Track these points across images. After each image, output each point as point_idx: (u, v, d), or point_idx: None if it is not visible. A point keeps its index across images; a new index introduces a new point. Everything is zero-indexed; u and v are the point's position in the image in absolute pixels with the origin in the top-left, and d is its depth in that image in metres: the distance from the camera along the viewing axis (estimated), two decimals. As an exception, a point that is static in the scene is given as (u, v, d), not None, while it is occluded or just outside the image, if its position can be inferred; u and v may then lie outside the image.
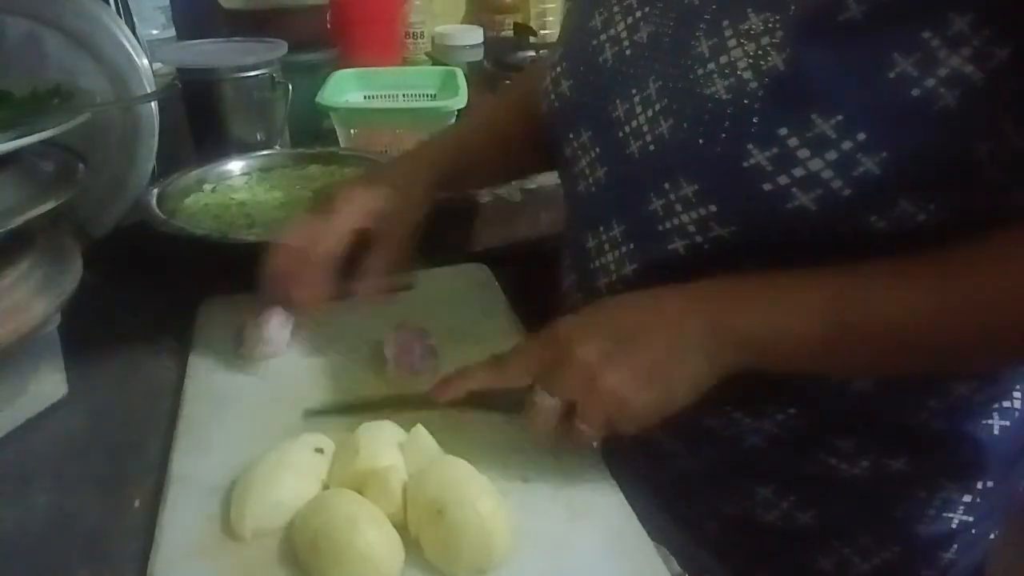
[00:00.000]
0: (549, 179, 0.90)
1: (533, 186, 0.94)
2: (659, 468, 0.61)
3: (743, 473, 0.56)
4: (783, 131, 0.41)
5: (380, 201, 0.60)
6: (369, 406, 0.56)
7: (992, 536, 0.58)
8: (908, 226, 0.42)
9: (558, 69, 0.57)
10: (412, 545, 0.44)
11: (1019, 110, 0.40)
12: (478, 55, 1.31)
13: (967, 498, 0.54)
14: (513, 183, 0.93)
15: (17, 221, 0.50)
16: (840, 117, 0.40)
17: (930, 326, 0.42)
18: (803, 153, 0.41)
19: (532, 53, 1.27)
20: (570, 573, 0.44)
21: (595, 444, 0.51)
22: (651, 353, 0.44)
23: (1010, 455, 0.55)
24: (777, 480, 0.55)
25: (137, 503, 0.50)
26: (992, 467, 0.54)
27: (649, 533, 0.46)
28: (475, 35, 1.31)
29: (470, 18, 1.59)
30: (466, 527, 0.42)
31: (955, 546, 0.55)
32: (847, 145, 0.40)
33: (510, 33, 1.54)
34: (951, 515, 0.54)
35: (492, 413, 0.54)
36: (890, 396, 0.50)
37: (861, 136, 0.40)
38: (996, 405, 0.53)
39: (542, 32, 1.57)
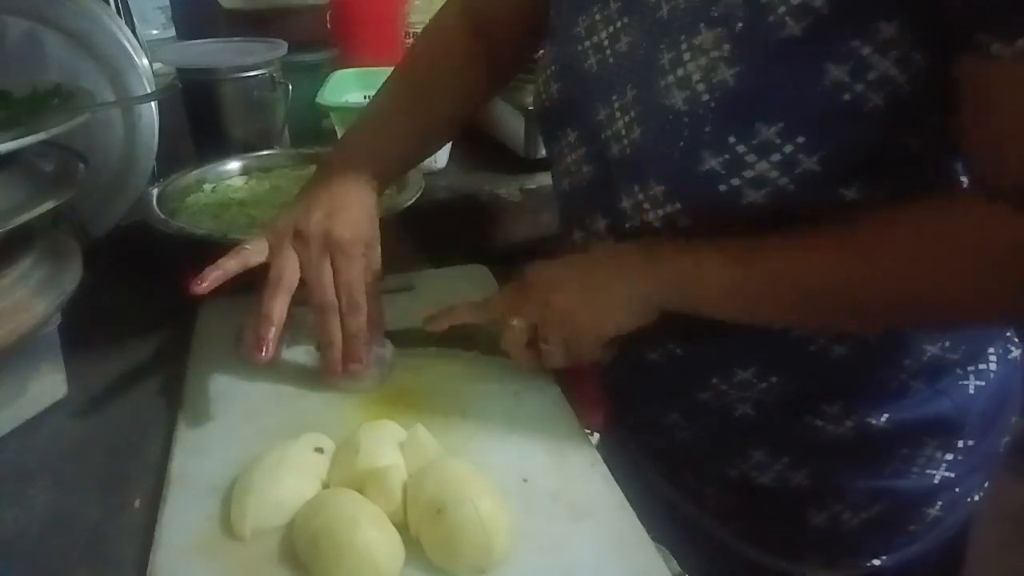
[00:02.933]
0: (549, 179, 0.90)
1: (533, 186, 0.95)
2: (660, 439, 0.64)
3: (737, 439, 0.59)
4: (732, 139, 0.45)
5: (367, 234, 0.59)
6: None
7: (976, 498, 0.61)
8: (847, 207, 0.46)
9: (548, 72, 0.60)
10: (412, 544, 0.44)
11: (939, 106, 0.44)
12: (478, 55, 1.30)
13: (948, 456, 0.57)
14: (513, 183, 0.94)
15: (17, 221, 0.50)
16: (782, 124, 0.44)
17: (832, 282, 0.46)
18: (751, 158, 0.45)
19: (532, 53, 1.27)
20: (570, 572, 0.44)
21: (594, 435, 0.57)
22: (591, 279, 0.53)
23: (988, 415, 0.58)
24: (769, 443, 0.58)
25: (137, 503, 0.50)
26: (971, 426, 0.57)
27: (650, 532, 0.47)
28: (475, 35, 1.31)
29: (470, 18, 1.59)
30: (466, 526, 0.43)
31: (939, 503, 0.58)
32: (789, 148, 0.44)
33: (510, 33, 1.54)
34: (933, 472, 0.57)
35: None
36: (866, 358, 0.53)
37: (801, 139, 0.44)
38: (972, 367, 0.57)
39: (542, 32, 1.57)
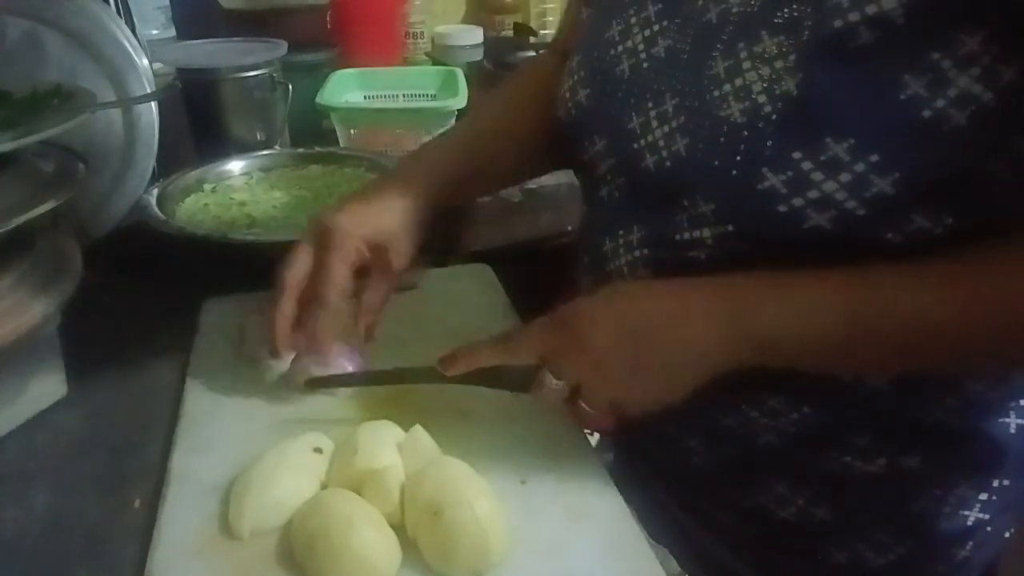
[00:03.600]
0: (549, 179, 0.90)
1: (533, 186, 0.94)
2: (675, 463, 0.61)
3: (758, 469, 0.56)
4: (797, 155, 0.42)
5: (375, 230, 0.57)
6: (373, 378, 0.57)
7: (1008, 535, 0.58)
8: (924, 240, 0.42)
9: (575, 77, 0.57)
10: (409, 546, 0.44)
11: None
12: (478, 55, 1.31)
13: (983, 496, 0.54)
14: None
15: (17, 221, 0.50)
16: (852, 140, 0.40)
17: (940, 326, 0.42)
18: (817, 176, 0.41)
19: (532, 53, 1.27)
20: (567, 575, 0.44)
21: (594, 435, 0.51)
22: (662, 345, 0.45)
23: None
24: (792, 476, 0.55)
25: (137, 503, 0.51)
26: (1008, 465, 0.54)
27: (652, 531, 0.46)
28: (475, 35, 1.32)
29: (470, 18, 1.59)
30: (463, 528, 0.43)
31: (970, 543, 0.55)
32: (860, 167, 0.40)
33: (510, 33, 1.54)
34: (967, 512, 0.54)
35: (497, 393, 0.53)
36: (905, 394, 0.50)
37: (874, 158, 0.40)
38: (1012, 403, 0.53)
39: (542, 32, 1.57)
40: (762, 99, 0.43)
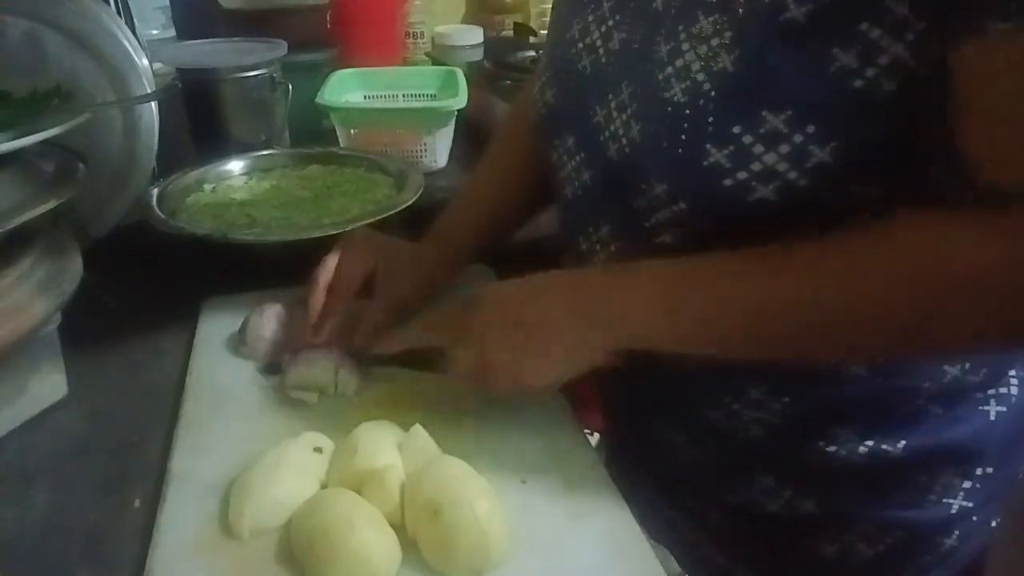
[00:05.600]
0: (549, 179, 0.90)
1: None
2: (661, 460, 0.61)
3: (745, 463, 0.57)
4: (737, 129, 0.43)
5: (388, 264, 0.65)
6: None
7: (993, 524, 0.58)
8: (869, 208, 0.43)
9: (543, 79, 0.59)
10: (409, 545, 0.45)
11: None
12: (478, 55, 1.31)
13: (967, 484, 0.55)
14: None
15: (17, 221, 0.50)
16: (789, 112, 0.42)
17: (782, 306, 0.44)
18: (758, 149, 0.43)
19: (532, 53, 1.27)
20: (567, 574, 0.44)
21: (594, 435, 0.54)
22: (521, 333, 0.50)
23: (1008, 441, 0.56)
24: (778, 469, 0.56)
25: (137, 503, 0.51)
26: (990, 453, 0.55)
27: (650, 530, 0.46)
28: (475, 35, 1.32)
29: (470, 18, 1.60)
30: (463, 528, 0.43)
31: (956, 532, 0.56)
32: (798, 138, 0.42)
33: (510, 33, 1.54)
34: (951, 501, 0.55)
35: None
36: (883, 380, 0.51)
37: (810, 129, 0.42)
38: (992, 391, 0.54)
39: (542, 32, 1.57)
40: (700, 77, 0.44)
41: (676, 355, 0.48)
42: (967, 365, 0.52)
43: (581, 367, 0.50)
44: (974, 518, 0.56)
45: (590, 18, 0.55)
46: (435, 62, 1.30)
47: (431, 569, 0.44)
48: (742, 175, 0.44)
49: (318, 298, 0.62)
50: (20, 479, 0.53)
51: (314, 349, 0.60)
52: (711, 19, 0.44)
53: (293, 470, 0.48)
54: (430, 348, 0.57)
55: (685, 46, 0.45)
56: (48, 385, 0.60)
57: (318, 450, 0.50)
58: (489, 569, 0.43)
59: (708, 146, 0.44)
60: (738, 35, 0.43)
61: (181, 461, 0.52)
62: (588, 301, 0.50)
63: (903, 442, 0.53)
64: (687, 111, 0.45)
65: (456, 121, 0.99)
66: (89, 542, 0.48)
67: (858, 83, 0.41)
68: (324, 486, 0.49)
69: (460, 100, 0.97)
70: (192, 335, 0.66)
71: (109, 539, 0.48)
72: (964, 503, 0.55)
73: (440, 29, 1.34)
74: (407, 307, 0.64)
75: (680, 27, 0.46)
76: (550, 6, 1.66)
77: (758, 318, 0.45)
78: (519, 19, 1.56)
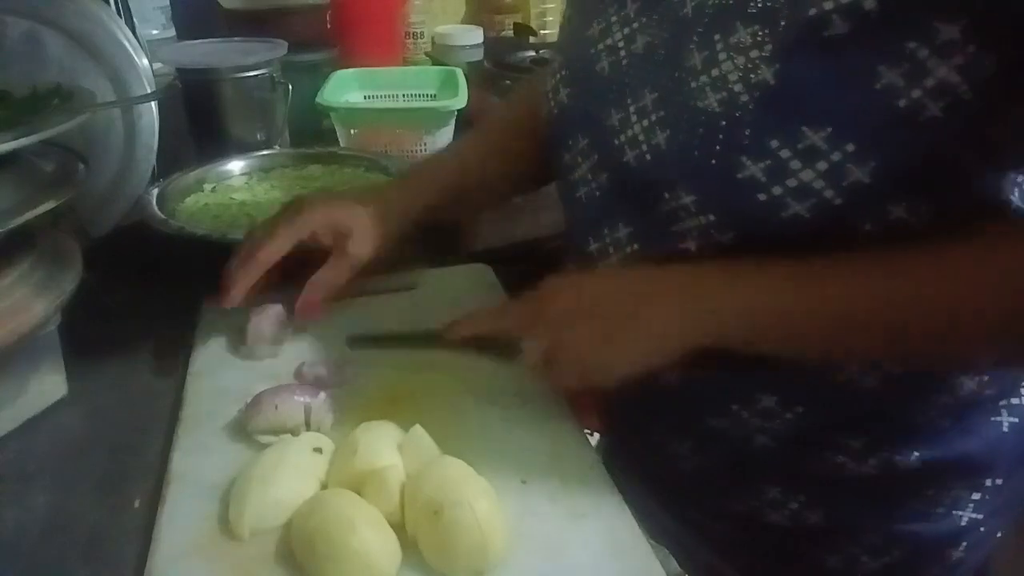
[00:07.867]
0: (549, 179, 0.90)
1: (533, 186, 0.94)
2: (665, 468, 0.61)
3: (751, 473, 0.56)
4: (775, 143, 0.42)
5: (340, 218, 0.62)
6: (399, 339, 0.63)
7: (1000, 534, 0.58)
8: (900, 230, 0.43)
9: (558, 76, 0.58)
10: (409, 545, 0.44)
11: (1006, 117, 0.41)
12: (478, 55, 1.31)
13: (976, 496, 0.55)
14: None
15: (17, 221, 0.50)
16: (829, 129, 0.41)
17: (883, 312, 0.43)
18: (795, 164, 0.42)
19: (532, 53, 1.27)
20: (567, 574, 0.44)
21: (594, 435, 0.55)
22: (609, 321, 0.49)
23: (1019, 452, 0.55)
24: (785, 480, 0.55)
25: (137, 503, 0.50)
26: (1001, 465, 0.54)
27: (651, 532, 0.46)
28: (475, 35, 1.32)
29: (470, 18, 1.60)
30: (463, 528, 0.43)
31: (964, 544, 0.56)
32: (837, 156, 0.41)
33: (510, 33, 1.54)
34: (960, 513, 0.55)
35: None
36: (898, 392, 0.50)
37: (850, 147, 0.41)
38: (1004, 402, 0.53)
39: (542, 32, 1.57)
40: (739, 88, 0.43)
41: (703, 359, 0.47)
42: (985, 378, 0.51)
43: (660, 361, 0.48)
44: (982, 529, 0.55)
45: (613, 19, 0.53)
46: (435, 62, 1.30)
47: (431, 569, 0.44)
48: (777, 190, 0.43)
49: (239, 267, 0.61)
50: (20, 479, 0.53)
51: (279, 390, 0.54)
52: (750, 30, 0.43)
53: (293, 470, 0.48)
54: (501, 335, 0.58)
55: (722, 56, 0.44)
56: (48, 385, 0.60)
57: (318, 450, 0.50)
58: (489, 569, 0.43)
59: (743, 159, 0.43)
60: (779, 48, 0.41)
61: (181, 461, 0.52)
62: (701, 294, 0.47)
63: (915, 454, 0.52)
64: (723, 122, 0.44)
65: (456, 121, 0.99)
66: (89, 542, 0.48)
67: (902, 103, 0.40)
68: (324, 486, 0.49)
69: (460, 100, 0.97)
70: (192, 335, 0.66)
71: (109, 539, 0.48)
72: (973, 515, 0.55)
73: (440, 29, 1.34)
74: (369, 266, 0.64)
75: (716, 36, 0.44)
76: (550, 6, 1.67)
77: (888, 318, 0.44)
78: (519, 19, 1.56)
